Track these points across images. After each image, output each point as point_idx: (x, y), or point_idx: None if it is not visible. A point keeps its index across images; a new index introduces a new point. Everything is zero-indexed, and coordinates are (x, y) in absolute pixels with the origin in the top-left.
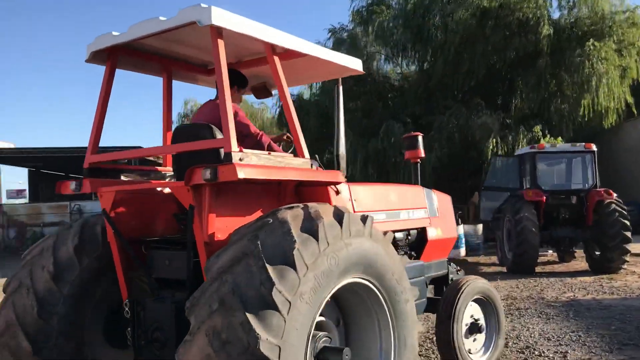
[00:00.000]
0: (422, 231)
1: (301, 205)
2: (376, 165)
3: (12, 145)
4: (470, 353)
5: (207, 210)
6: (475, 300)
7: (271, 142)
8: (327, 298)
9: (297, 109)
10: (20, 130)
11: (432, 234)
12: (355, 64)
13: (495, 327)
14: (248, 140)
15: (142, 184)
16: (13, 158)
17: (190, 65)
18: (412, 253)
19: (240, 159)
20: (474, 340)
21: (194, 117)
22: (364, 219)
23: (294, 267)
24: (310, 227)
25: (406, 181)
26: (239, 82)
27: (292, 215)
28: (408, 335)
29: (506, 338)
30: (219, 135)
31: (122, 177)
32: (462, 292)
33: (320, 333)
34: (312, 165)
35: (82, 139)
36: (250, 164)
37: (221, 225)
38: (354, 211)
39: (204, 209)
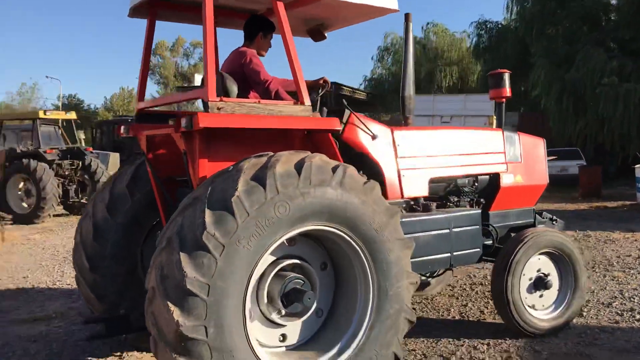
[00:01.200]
0: (495, 177)
1: (270, 153)
2: (572, 97)
3: None
4: (534, 309)
5: (198, 156)
6: (547, 254)
7: (280, 90)
8: (278, 243)
9: (495, 37)
10: None
11: (509, 180)
12: (387, 3)
13: (571, 284)
14: (258, 87)
15: (159, 129)
16: None
17: (225, 11)
18: (481, 200)
19: (219, 108)
20: (541, 296)
21: (222, 66)
22: (335, 168)
23: (232, 213)
24: (261, 175)
25: (603, 114)
26: (264, 29)
27: (251, 164)
28: (390, 286)
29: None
30: (230, 85)
31: (170, 122)
32: (524, 243)
33: (292, 275)
34: (319, 112)
35: None
36: (224, 114)
37: (213, 170)
38: (396, 156)
39: (195, 154)
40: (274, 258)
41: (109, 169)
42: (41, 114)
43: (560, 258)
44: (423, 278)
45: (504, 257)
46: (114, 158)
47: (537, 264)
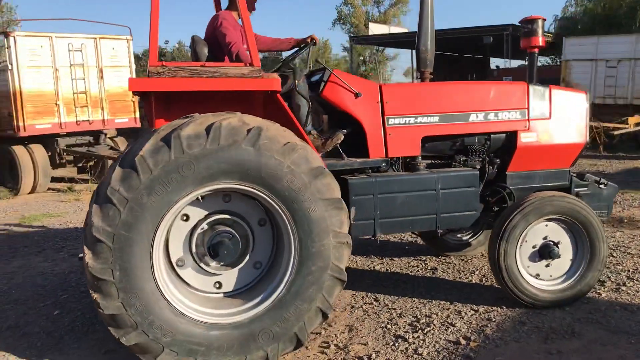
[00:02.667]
0: (512, 136)
1: (193, 115)
2: None
3: (405, 30)
4: (538, 278)
5: (154, 117)
6: (557, 221)
7: (240, 51)
8: (188, 199)
9: None
10: None
11: (530, 139)
12: None
13: (587, 255)
14: (225, 49)
15: None
16: (408, 42)
17: None
18: (496, 160)
19: (158, 73)
20: (548, 265)
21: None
22: (250, 129)
23: (136, 170)
24: (169, 136)
25: None
26: None
27: (169, 126)
28: (313, 244)
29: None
30: (200, 49)
31: None
32: (522, 209)
33: (222, 228)
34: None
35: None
36: (156, 78)
37: None
38: (384, 114)
39: (151, 115)
40: (206, 212)
41: None
42: None
43: (573, 226)
44: (465, 238)
45: (500, 222)
46: None
47: (544, 231)
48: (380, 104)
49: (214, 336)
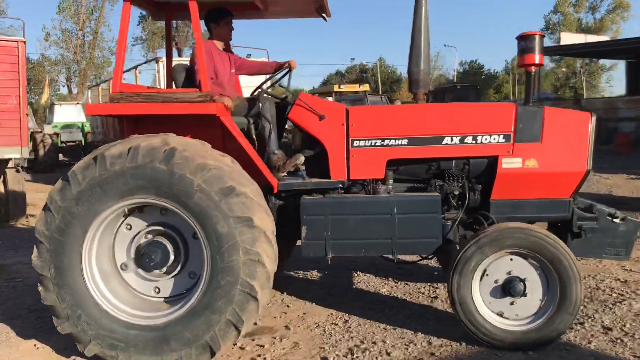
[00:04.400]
0: (493, 161)
1: (131, 136)
2: None
3: (606, 38)
4: (502, 316)
5: (125, 136)
6: (522, 255)
7: (201, 78)
8: (113, 210)
9: None
10: None
11: (513, 165)
12: None
13: (556, 296)
14: (193, 76)
15: None
16: (609, 51)
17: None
18: (477, 187)
19: (117, 99)
20: (512, 303)
21: None
22: (167, 150)
23: (69, 183)
24: (99, 154)
25: None
26: (212, 19)
27: (106, 145)
28: (222, 259)
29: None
30: (176, 76)
31: None
32: (477, 240)
33: (156, 239)
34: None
35: None
36: (110, 104)
37: None
38: (350, 136)
39: (124, 134)
40: (146, 223)
41: None
42: (335, 88)
43: (544, 264)
44: None
45: (457, 252)
46: None
47: (508, 266)
48: (345, 126)
49: (132, 335)
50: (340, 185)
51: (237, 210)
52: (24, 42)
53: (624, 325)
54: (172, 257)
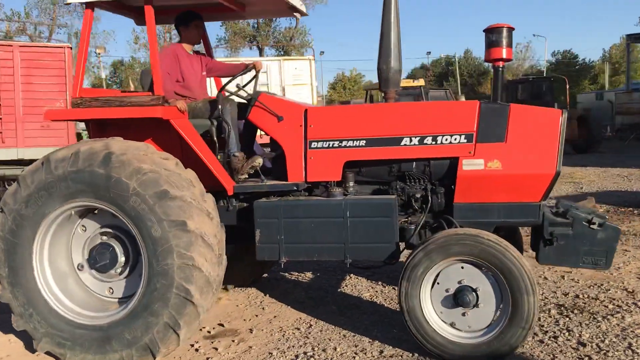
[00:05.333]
0: (454, 162)
1: (81, 141)
2: None
3: None
4: (453, 327)
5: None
6: (472, 264)
7: (155, 82)
8: (61, 212)
9: None
10: None
11: (474, 166)
12: None
13: (508, 308)
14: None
15: None
16: None
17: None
18: (440, 189)
19: (78, 104)
20: (464, 314)
21: None
22: (105, 154)
23: (20, 186)
24: (46, 158)
25: None
26: (180, 23)
27: (56, 148)
28: (157, 262)
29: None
30: (144, 80)
31: None
32: (425, 246)
33: (105, 237)
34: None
35: None
36: (68, 109)
37: None
38: (308, 137)
39: (90, 138)
40: (99, 225)
41: None
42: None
43: (497, 274)
44: None
45: (407, 259)
46: None
47: (460, 274)
48: (304, 127)
49: (78, 334)
50: (295, 188)
51: (172, 214)
52: (70, 48)
53: (603, 341)
54: (121, 259)
